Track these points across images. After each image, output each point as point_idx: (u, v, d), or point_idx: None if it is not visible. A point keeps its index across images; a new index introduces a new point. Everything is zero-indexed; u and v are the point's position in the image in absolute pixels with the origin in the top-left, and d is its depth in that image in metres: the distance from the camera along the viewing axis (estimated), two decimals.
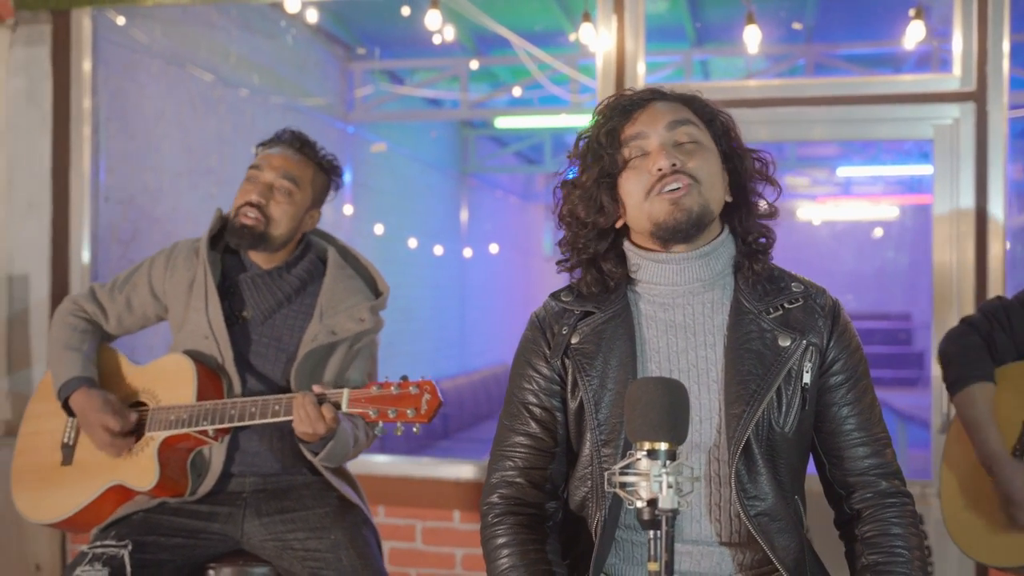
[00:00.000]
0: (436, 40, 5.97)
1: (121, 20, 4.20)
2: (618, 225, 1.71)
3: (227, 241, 2.53)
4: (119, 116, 4.33)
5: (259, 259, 2.51)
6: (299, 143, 2.53)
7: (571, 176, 1.75)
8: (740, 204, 1.73)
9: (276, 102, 6.43)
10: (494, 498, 1.69)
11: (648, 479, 1.21)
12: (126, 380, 2.50)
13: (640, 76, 3.54)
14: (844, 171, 12.09)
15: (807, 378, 1.64)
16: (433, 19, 4.34)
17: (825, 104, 3.43)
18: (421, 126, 10.05)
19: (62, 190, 3.84)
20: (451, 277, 10.85)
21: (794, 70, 7.29)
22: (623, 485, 1.24)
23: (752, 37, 4.17)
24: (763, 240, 1.72)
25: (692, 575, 1.62)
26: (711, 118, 1.72)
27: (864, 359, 1.73)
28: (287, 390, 2.44)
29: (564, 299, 1.75)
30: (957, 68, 3.35)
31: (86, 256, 3.85)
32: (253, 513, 2.39)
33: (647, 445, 1.24)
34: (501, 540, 1.64)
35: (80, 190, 3.85)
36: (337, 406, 2.21)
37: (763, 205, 1.74)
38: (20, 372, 3.77)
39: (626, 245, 1.72)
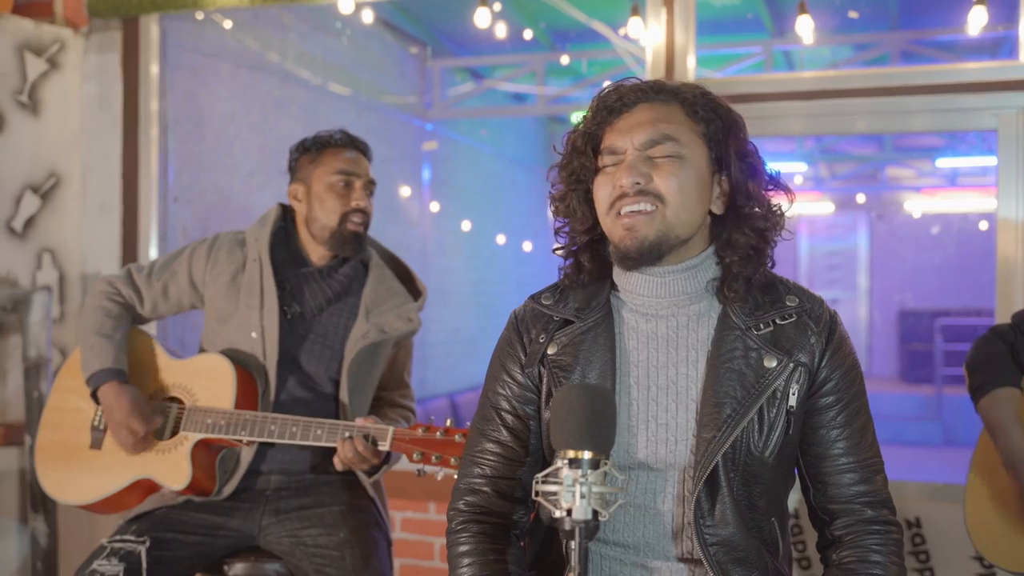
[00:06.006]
0: (501, 35, 5.94)
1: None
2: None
3: (276, 236, 2.56)
4: (190, 118, 4.46)
5: (315, 256, 2.54)
6: (362, 144, 2.59)
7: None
8: (728, 217, 1.58)
9: (353, 100, 6.51)
10: (460, 504, 1.65)
11: (565, 488, 1.18)
12: (161, 372, 2.51)
13: (691, 71, 3.46)
14: (943, 162, 11.60)
15: (793, 401, 1.53)
16: (482, 17, 4.34)
17: (873, 95, 3.28)
18: (503, 122, 10.05)
19: (131, 191, 3.96)
20: (538, 273, 10.85)
21: (881, 59, 7.04)
22: (545, 494, 1.21)
23: (805, 27, 4.04)
24: (748, 261, 1.56)
25: None
26: (710, 118, 1.56)
27: (860, 378, 1.60)
28: (329, 392, 2.48)
29: (544, 302, 1.67)
30: (1023, 54, 3.18)
31: (154, 255, 3.97)
32: (272, 510, 2.42)
33: (570, 454, 1.21)
34: (463, 548, 1.60)
35: (148, 191, 3.96)
36: (378, 443, 2.25)
37: (760, 218, 1.56)
38: None
39: (611, 247, 1.61)
